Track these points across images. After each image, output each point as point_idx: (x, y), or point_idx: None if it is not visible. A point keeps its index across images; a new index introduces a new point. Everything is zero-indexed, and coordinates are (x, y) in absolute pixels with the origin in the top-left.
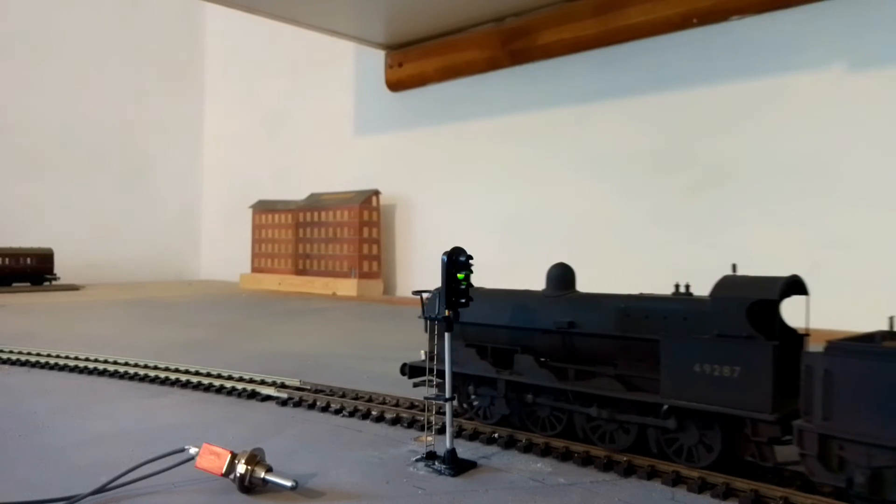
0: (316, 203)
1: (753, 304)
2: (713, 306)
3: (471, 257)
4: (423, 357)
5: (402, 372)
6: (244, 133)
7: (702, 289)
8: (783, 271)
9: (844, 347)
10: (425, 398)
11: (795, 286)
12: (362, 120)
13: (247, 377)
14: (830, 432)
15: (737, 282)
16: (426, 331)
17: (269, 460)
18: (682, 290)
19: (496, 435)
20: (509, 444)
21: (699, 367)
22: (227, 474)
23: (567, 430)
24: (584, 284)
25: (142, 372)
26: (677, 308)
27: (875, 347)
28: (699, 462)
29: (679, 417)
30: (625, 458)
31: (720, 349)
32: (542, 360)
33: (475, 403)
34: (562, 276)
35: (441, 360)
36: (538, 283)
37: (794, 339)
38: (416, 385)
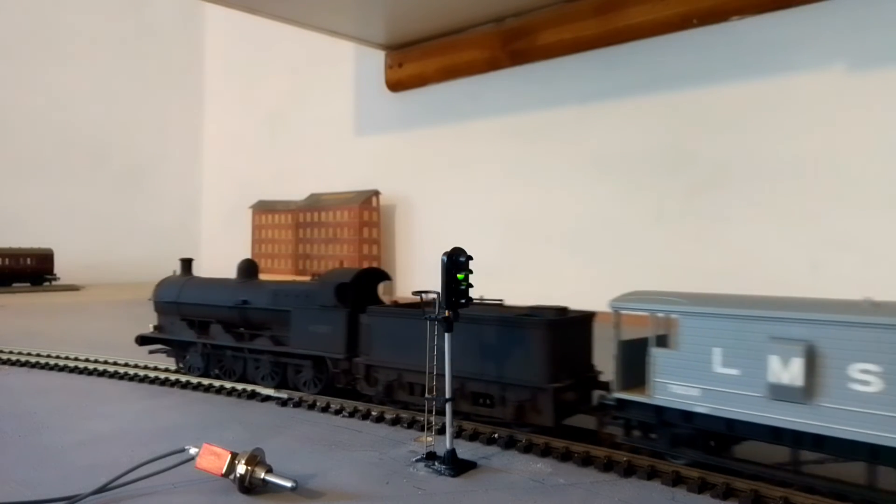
0: (316, 203)
1: (338, 285)
2: (320, 287)
3: (471, 257)
4: (151, 330)
5: (137, 342)
6: (244, 133)
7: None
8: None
9: (374, 310)
10: (426, 398)
11: (382, 275)
12: (362, 120)
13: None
14: (371, 362)
15: (335, 272)
16: (156, 310)
17: (269, 460)
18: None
19: (496, 435)
20: (509, 444)
21: (312, 327)
22: (227, 475)
23: (244, 375)
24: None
25: (142, 372)
26: (303, 289)
27: (386, 309)
28: (316, 389)
29: (303, 360)
30: (625, 458)
31: (322, 315)
32: (233, 328)
33: (189, 364)
34: (245, 267)
35: (170, 332)
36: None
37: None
38: (151, 352)
